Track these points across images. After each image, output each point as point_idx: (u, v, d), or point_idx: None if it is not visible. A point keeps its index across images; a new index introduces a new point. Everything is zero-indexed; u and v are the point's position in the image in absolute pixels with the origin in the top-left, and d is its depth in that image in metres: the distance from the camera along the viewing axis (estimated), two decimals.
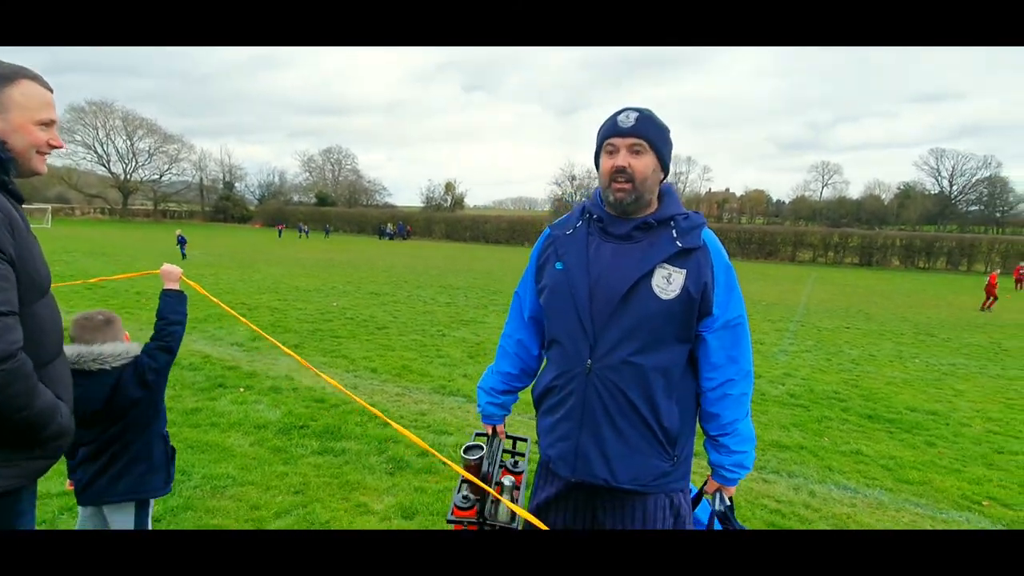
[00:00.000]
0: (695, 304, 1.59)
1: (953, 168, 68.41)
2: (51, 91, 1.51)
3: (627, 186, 1.60)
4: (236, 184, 73.44)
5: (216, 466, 3.65)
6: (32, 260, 1.43)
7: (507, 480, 1.92)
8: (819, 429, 5.13)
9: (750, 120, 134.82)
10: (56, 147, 1.51)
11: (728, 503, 1.75)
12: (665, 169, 1.67)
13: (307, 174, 77.84)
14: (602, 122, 1.69)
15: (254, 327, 2.89)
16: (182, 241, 21.32)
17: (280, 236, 41.62)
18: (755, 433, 1.72)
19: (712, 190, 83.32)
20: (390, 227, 50.75)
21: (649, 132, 1.60)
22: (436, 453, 2.05)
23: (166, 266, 2.36)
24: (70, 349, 2.05)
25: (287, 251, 27.22)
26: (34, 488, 1.62)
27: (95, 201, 65.22)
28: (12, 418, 1.35)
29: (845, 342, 10.16)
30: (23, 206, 1.51)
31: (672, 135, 1.69)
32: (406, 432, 1.97)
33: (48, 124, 1.48)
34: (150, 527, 2.33)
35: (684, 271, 1.58)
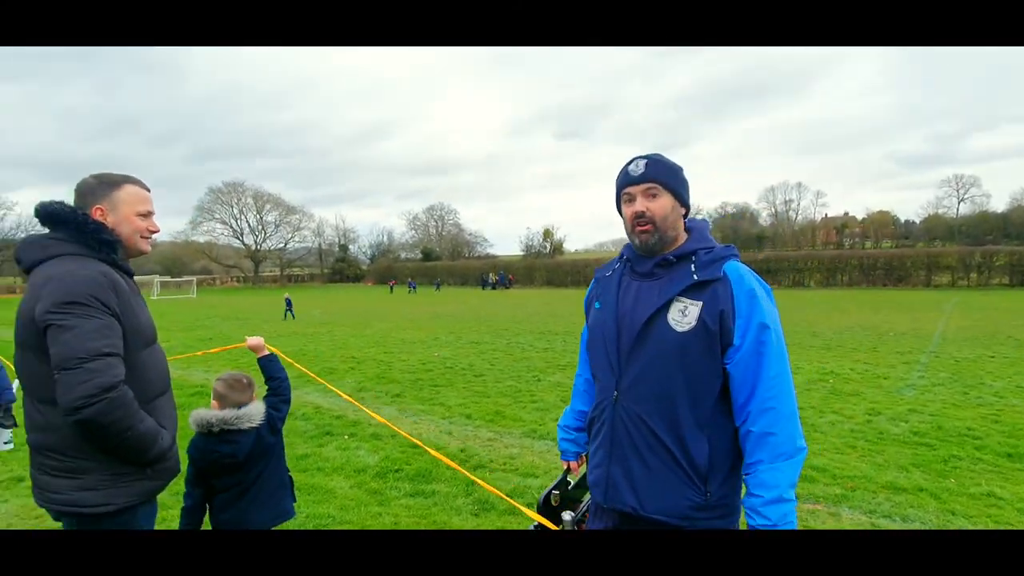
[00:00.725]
0: (714, 335, 1.59)
1: None
2: (148, 191, 1.94)
3: (648, 227, 1.68)
4: (350, 246, 79.56)
5: (319, 506, 3.96)
6: (135, 317, 1.81)
7: (567, 515, 2.00)
8: (944, 470, 4.61)
9: (863, 139, 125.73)
10: (153, 231, 1.93)
11: None
12: (685, 205, 1.74)
13: (413, 232, 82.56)
14: (618, 171, 1.79)
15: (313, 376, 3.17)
16: (289, 304, 22.16)
17: (391, 291, 43.98)
18: (790, 483, 1.56)
19: (828, 215, 78.15)
20: (491, 277, 52.15)
21: (660, 175, 1.69)
22: (480, 482, 2.16)
23: (250, 340, 2.74)
24: (225, 412, 2.45)
25: (396, 307, 28.78)
26: (150, 509, 1.93)
27: (232, 271, 73.32)
28: (119, 438, 1.68)
29: (988, 373, 9.04)
30: (135, 276, 1.93)
31: (686, 172, 1.77)
32: (439, 455, 2.10)
33: (146, 215, 1.89)
34: None
35: (700, 303, 1.60)
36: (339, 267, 73.93)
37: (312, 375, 3.14)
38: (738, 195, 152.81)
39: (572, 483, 2.11)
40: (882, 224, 75.85)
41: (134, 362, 1.78)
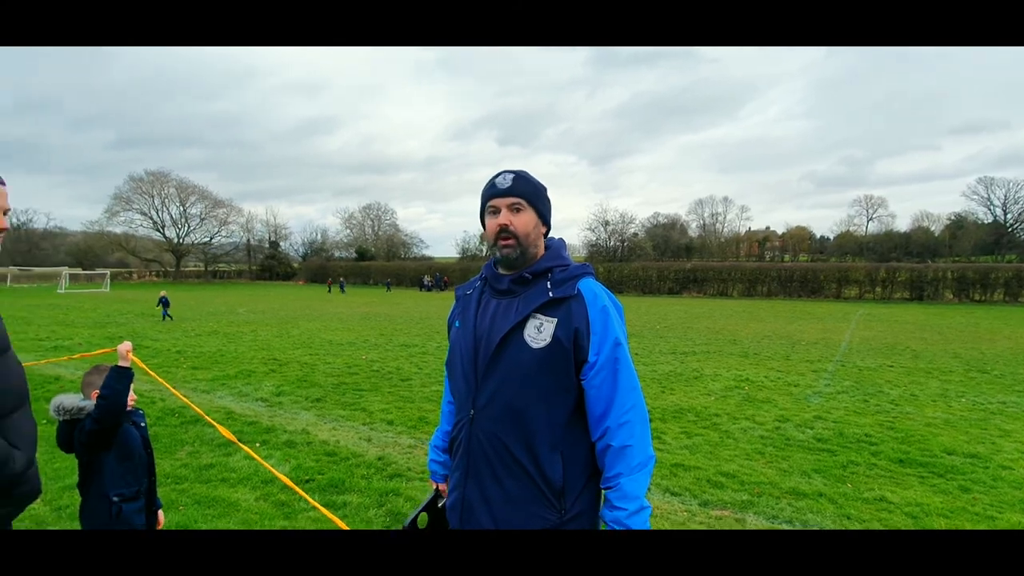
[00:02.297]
0: (568, 352, 1.61)
1: (1006, 196, 65.77)
2: (2, 183, 1.70)
3: (511, 242, 1.69)
4: (281, 243, 76.52)
5: (219, 521, 3.73)
6: None
7: None
8: (843, 475, 4.88)
9: (784, 160, 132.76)
10: (2, 230, 1.70)
11: None
12: (546, 224, 1.78)
13: (348, 230, 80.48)
14: (483, 185, 1.79)
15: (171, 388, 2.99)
16: (165, 303, 19.46)
17: (329, 291, 42.77)
18: (645, 491, 1.62)
19: (752, 228, 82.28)
20: (427, 279, 51.63)
21: (525, 191, 1.71)
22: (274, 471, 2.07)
23: (121, 345, 2.52)
24: (59, 399, 2.43)
25: (328, 307, 27.93)
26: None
27: (151, 265, 68.91)
28: None
29: (887, 381, 9.70)
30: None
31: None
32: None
33: None
34: None
35: (555, 320, 1.62)
36: (269, 264, 70.91)
37: (157, 376, 2.96)
38: (670, 207, 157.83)
39: (441, 504, 2.06)
40: (799, 239, 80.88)
41: None
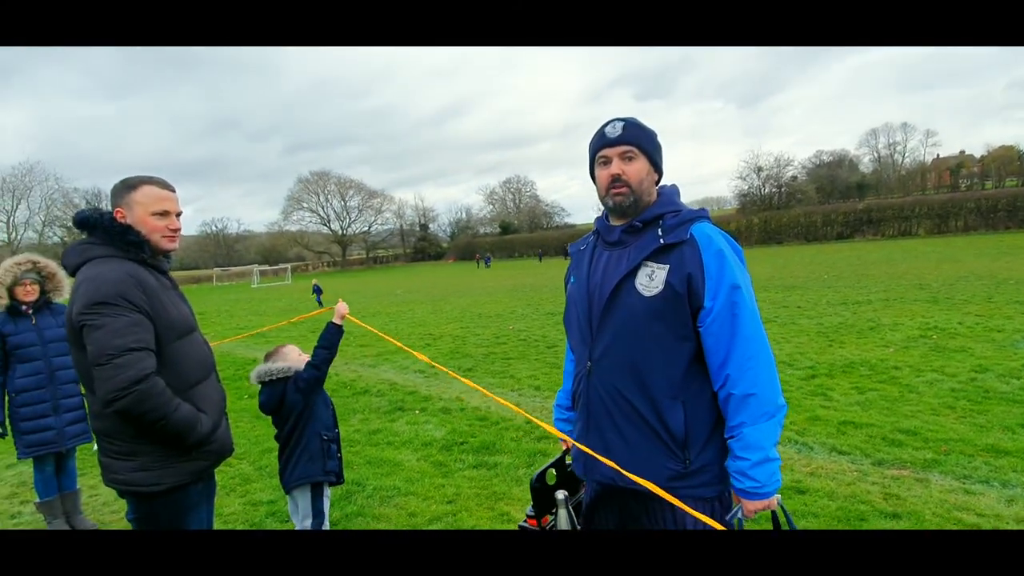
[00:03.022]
0: (682, 298, 1.54)
1: None
2: (170, 190, 1.99)
3: (624, 190, 1.65)
4: (430, 225, 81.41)
5: (386, 479, 4.14)
6: (165, 312, 1.90)
7: (560, 494, 1.96)
8: None
9: (983, 68, 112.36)
10: (173, 230, 1.98)
11: (740, 517, 1.57)
12: (659, 171, 1.71)
13: (491, 206, 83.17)
14: (592, 135, 1.74)
15: (423, 357, 3.26)
16: (318, 291, 22.04)
17: (479, 267, 44.79)
18: (773, 442, 1.52)
19: (940, 156, 70.67)
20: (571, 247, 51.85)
21: (637, 138, 1.65)
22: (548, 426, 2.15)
23: (339, 305, 2.98)
24: (260, 368, 2.90)
25: (476, 281, 29.28)
26: (203, 487, 2.06)
27: (323, 256, 77.20)
28: (154, 426, 1.81)
29: None
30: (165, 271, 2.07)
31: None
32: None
33: (162, 215, 1.95)
34: (326, 510, 2.95)
35: (667, 266, 1.56)
36: (420, 246, 76.11)
37: (398, 343, 3.33)
38: (836, 142, 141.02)
39: (570, 460, 2.07)
40: (1005, 160, 67.35)
41: (168, 354, 1.89)
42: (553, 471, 2.00)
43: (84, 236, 1.95)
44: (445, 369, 3.05)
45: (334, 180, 74.48)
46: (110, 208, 1.97)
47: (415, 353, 3.08)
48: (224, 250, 70.64)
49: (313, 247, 77.17)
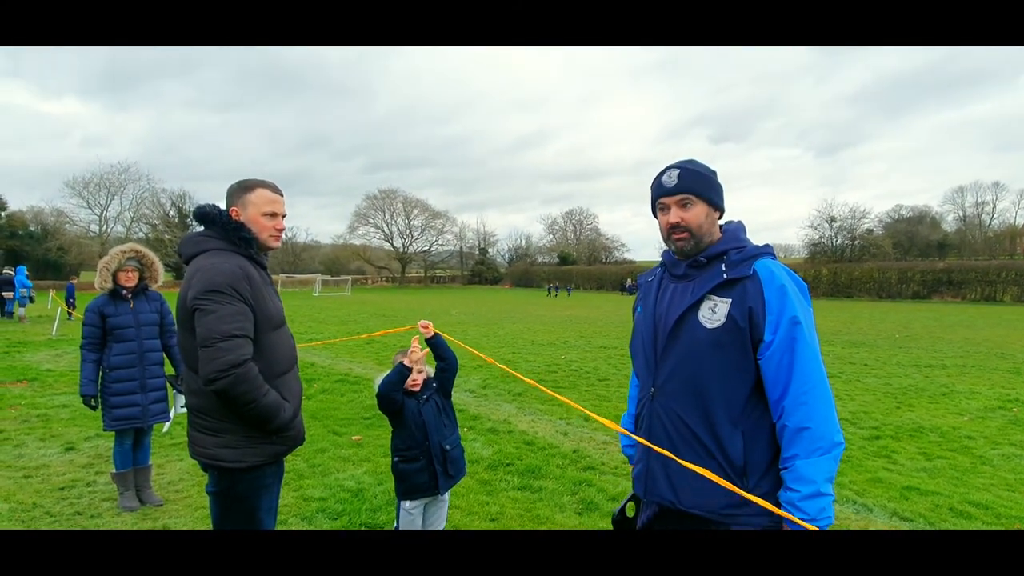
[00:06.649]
0: (744, 332, 1.61)
1: None
2: (280, 194, 2.20)
3: (684, 235, 1.74)
4: (489, 249, 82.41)
5: None
6: (265, 304, 2.08)
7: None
8: None
9: None
10: (280, 230, 2.20)
11: None
12: (720, 210, 1.79)
13: (551, 235, 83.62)
14: (651, 180, 1.82)
15: (508, 370, 3.38)
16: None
17: (548, 295, 44.88)
18: (826, 477, 1.52)
19: None
20: (630, 282, 51.30)
21: (693, 185, 1.73)
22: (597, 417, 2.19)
23: (422, 321, 3.16)
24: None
25: (531, 309, 29.38)
26: (276, 469, 2.22)
27: (382, 271, 79.42)
28: (245, 407, 1.97)
29: None
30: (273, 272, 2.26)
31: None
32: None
33: (272, 216, 2.15)
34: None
35: (729, 300, 1.63)
36: (478, 269, 77.12)
37: (487, 357, 3.54)
38: (918, 198, 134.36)
39: None
40: None
41: (263, 343, 2.08)
42: (632, 504, 2.03)
43: (201, 229, 2.18)
44: (535, 383, 3.13)
45: (400, 198, 76.96)
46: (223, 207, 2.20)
47: (506, 368, 3.18)
48: (291, 257, 73.72)
49: (374, 261, 79.56)
